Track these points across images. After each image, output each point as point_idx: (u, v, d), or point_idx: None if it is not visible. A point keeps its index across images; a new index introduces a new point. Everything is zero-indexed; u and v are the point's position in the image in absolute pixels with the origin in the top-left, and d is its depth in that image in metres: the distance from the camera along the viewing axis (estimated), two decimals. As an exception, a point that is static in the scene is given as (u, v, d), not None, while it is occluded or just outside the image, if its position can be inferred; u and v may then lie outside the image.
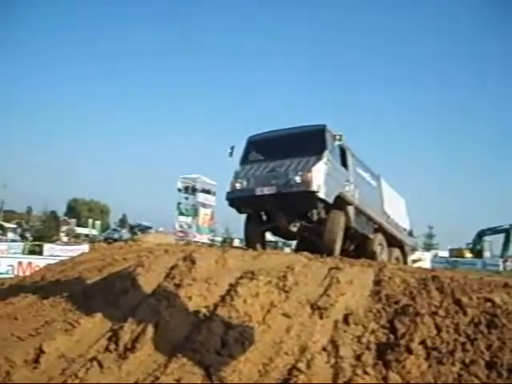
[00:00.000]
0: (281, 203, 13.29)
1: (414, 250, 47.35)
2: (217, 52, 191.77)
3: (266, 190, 13.20)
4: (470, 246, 50.46)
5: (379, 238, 16.38)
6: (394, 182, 19.78)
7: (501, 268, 39.78)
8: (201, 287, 8.07)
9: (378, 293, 8.84)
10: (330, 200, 13.14)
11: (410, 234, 19.07)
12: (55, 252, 33.53)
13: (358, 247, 16.00)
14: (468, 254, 48.51)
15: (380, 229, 16.57)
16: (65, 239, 58.48)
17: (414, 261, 35.55)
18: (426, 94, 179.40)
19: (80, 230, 72.66)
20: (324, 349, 7.29)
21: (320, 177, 12.86)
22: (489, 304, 8.86)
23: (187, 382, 6.35)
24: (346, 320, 7.91)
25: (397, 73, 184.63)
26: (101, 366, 6.64)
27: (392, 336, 7.75)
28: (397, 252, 18.17)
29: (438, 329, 7.94)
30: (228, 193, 14.14)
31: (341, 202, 13.68)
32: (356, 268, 9.97)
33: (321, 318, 7.82)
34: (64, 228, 67.51)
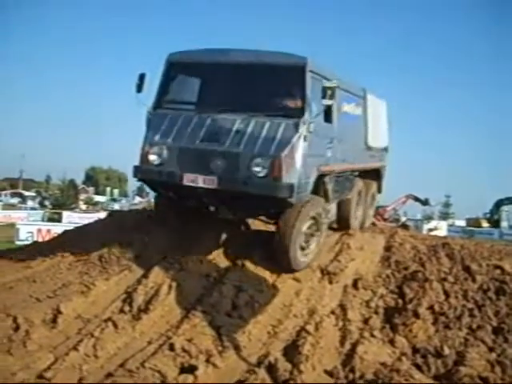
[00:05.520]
0: (224, 200, 8.42)
1: (430, 218, 47.39)
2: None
3: (201, 182, 7.92)
4: (488, 215, 50.12)
5: (358, 186, 11.38)
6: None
7: (518, 238, 39.53)
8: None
9: (387, 259, 8.97)
10: (306, 198, 8.26)
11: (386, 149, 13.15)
12: (74, 219, 33.89)
13: None
14: (485, 224, 48.11)
15: (360, 174, 11.52)
16: (83, 207, 59.13)
17: (430, 229, 35.55)
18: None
19: (98, 198, 73.33)
20: (332, 312, 7.46)
21: (295, 168, 7.82)
22: (498, 271, 8.95)
23: (198, 342, 6.56)
24: (355, 285, 8.07)
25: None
26: (115, 326, 6.86)
27: (400, 301, 7.89)
28: (374, 187, 12.99)
29: (447, 294, 8.07)
30: (137, 168, 8.54)
31: (318, 181, 8.67)
32: (367, 234, 10.09)
33: (330, 282, 7.98)
34: (82, 196, 68.16)
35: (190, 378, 5.99)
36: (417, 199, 40.34)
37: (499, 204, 48.60)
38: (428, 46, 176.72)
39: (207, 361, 6.27)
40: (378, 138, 12.29)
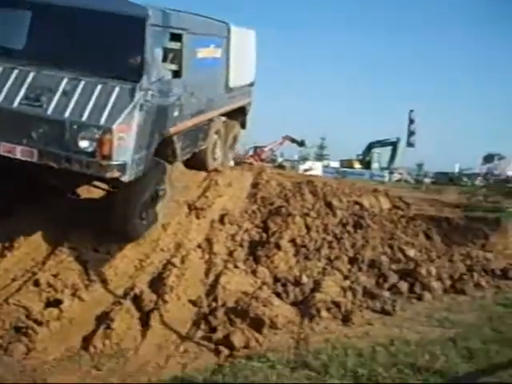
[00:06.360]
0: (47, 171, 6.78)
1: (305, 159, 48.90)
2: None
3: (19, 154, 6.52)
4: (360, 157, 52.35)
5: (215, 128, 10.09)
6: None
7: (386, 179, 41.60)
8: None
9: (254, 195, 9.33)
10: (141, 173, 6.91)
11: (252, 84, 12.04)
12: None
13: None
14: (357, 165, 50.07)
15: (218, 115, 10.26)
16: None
17: (306, 170, 36.77)
18: None
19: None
20: (199, 246, 7.74)
21: (129, 143, 6.52)
22: (357, 207, 9.64)
23: (64, 277, 6.60)
24: (221, 220, 8.37)
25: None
26: (-23, 264, 6.74)
27: (264, 234, 8.32)
28: (236, 128, 11.88)
29: (308, 228, 8.61)
30: None
31: (163, 142, 7.47)
32: (235, 171, 10.36)
33: (197, 217, 8.21)
34: None
35: (55, 312, 6.06)
36: (293, 140, 41.50)
37: (371, 146, 50.91)
38: None
39: (73, 294, 6.36)
40: (241, 76, 11.05)
